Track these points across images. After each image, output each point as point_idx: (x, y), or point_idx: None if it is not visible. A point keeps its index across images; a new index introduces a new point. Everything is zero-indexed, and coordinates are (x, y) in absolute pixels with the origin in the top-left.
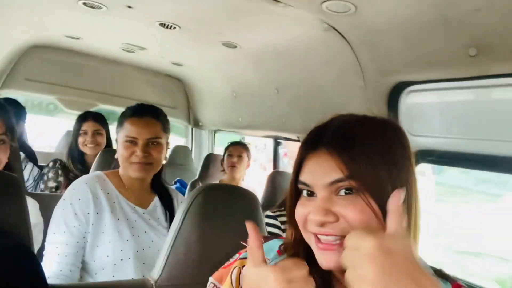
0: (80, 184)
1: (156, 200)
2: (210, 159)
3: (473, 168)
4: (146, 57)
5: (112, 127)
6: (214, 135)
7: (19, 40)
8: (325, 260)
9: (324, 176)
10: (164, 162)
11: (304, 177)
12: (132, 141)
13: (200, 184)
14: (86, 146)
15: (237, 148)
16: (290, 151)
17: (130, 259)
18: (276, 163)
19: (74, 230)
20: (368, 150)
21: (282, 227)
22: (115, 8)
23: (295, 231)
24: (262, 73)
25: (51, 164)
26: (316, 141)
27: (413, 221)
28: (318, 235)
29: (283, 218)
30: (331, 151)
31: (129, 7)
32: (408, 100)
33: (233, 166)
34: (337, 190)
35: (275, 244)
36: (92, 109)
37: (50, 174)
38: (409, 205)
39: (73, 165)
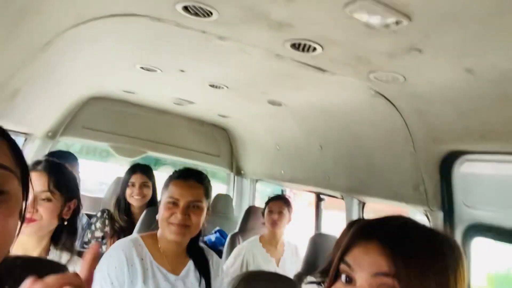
0: (116, 251)
1: (190, 264)
2: (250, 211)
3: None
4: (194, 110)
5: (158, 173)
6: (256, 184)
7: (80, 93)
8: None
9: (370, 265)
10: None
11: (349, 258)
12: (174, 203)
13: (240, 238)
14: (133, 197)
15: (278, 204)
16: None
17: None
18: (318, 223)
19: None
20: (422, 261)
21: None
22: (169, 71)
23: None
24: (306, 130)
25: (99, 214)
26: (370, 231)
27: None
28: None
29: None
30: (385, 246)
31: (182, 70)
32: (463, 170)
33: (274, 223)
34: (378, 285)
35: None
36: (141, 156)
37: (98, 224)
38: None
39: (119, 216)
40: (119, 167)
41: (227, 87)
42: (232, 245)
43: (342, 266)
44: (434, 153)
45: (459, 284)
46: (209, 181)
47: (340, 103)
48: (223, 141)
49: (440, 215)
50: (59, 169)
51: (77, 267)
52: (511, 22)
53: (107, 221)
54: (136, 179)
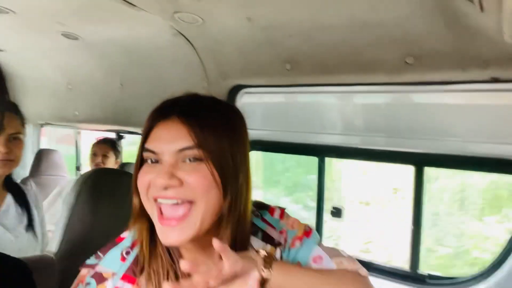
0: None
1: (9, 199)
2: (42, 154)
3: (287, 153)
4: None
5: None
6: (41, 129)
7: None
8: (165, 237)
9: (173, 143)
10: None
11: (151, 145)
12: None
13: (32, 182)
14: None
15: (102, 147)
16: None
17: None
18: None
19: None
20: (216, 125)
21: None
22: None
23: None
24: (105, 67)
25: None
26: (168, 110)
27: (245, 183)
28: (159, 200)
29: None
30: (183, 120)
31: None
32: (243, 100)
33: (97, 166)
34: (183, 158)
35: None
36: None
37: None
38: (242, 172)
39: None
40: None
41: (14, 12)
42: None
43: (146, 154)
44: (222, 87)
45: (246, 141)
46: (22, 112)
47: (142, 39)
48: None
49: None
50: None
51: None
52: None
53: None
54: None
